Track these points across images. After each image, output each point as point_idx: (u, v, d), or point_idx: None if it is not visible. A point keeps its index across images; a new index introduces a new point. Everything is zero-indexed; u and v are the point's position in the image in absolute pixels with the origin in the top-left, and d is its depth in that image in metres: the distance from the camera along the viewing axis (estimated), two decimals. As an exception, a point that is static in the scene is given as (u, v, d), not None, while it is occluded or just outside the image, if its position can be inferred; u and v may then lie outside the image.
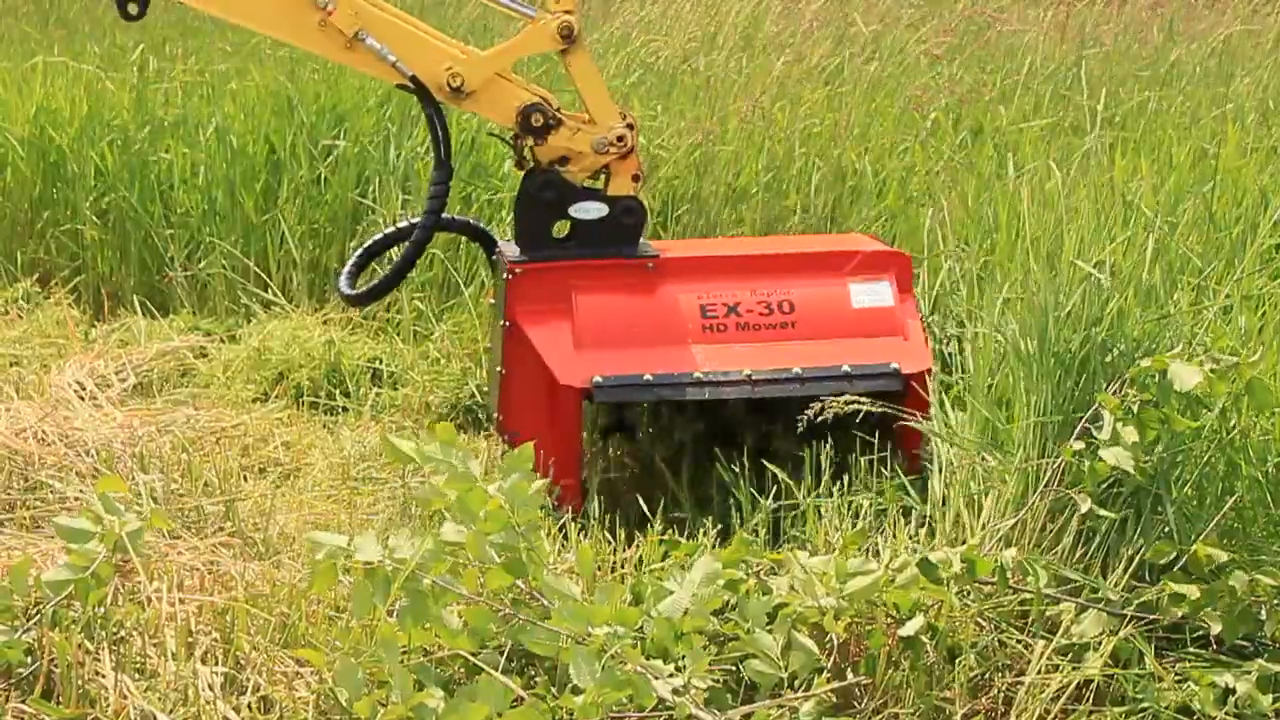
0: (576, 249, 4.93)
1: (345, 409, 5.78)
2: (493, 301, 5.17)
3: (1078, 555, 4.02)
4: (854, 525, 4.35)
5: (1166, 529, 3.98)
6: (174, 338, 6.57)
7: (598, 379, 4.67)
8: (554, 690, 3.24)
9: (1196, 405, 4.06)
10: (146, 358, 6.21)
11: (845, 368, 4.77)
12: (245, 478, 4.95)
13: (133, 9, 4.89)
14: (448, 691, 3.16)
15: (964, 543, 4.11)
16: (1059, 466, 4.04)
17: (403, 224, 5.29)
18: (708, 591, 3.48)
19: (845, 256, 5.00)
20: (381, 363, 6.07)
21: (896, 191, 6.69)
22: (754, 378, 4.75)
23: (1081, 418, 4.06)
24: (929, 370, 4.75)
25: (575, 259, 4.89)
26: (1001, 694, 3.72)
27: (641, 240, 5.00)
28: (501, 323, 4.83)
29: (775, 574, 3.78)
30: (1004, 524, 4.10)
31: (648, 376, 4.72)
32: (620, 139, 4.91)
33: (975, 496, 4.34)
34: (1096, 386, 4.16)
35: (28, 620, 3.33)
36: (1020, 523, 4.08)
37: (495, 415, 4.99)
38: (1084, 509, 3.93)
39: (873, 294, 4.92)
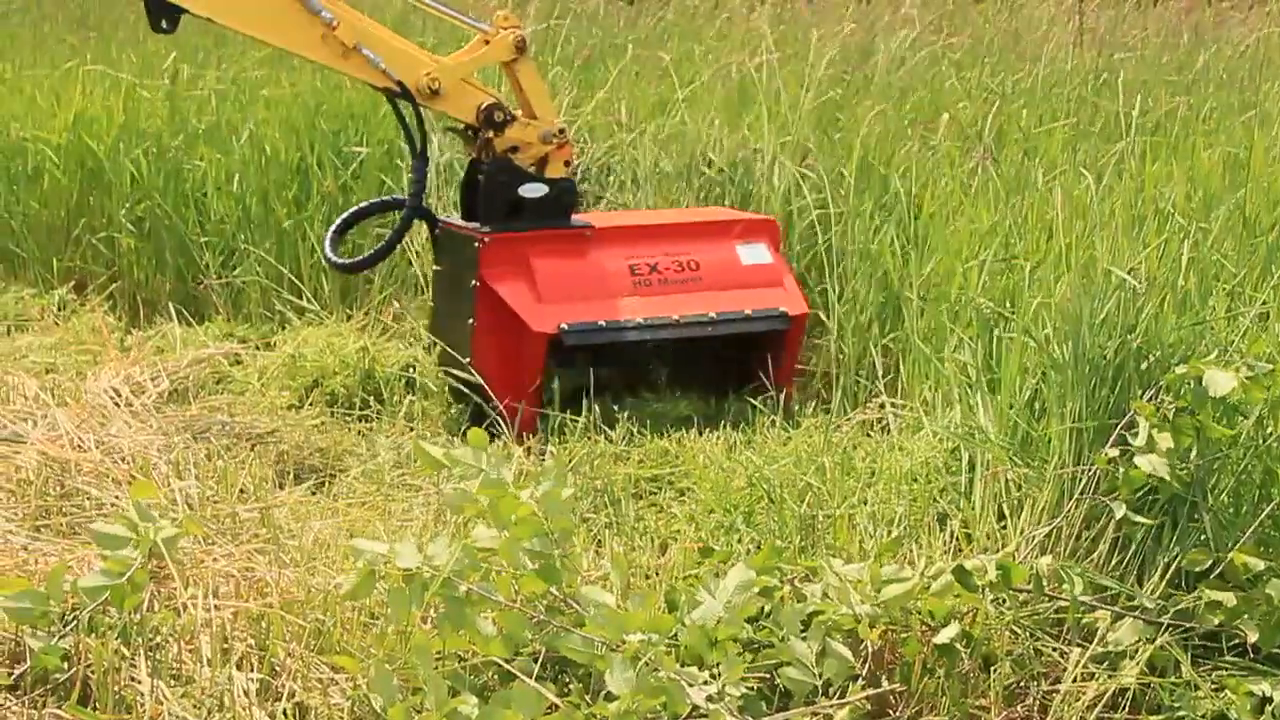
0: (526, 221, 5.77)
1: (379, 415, 5.79)
2: (438, 268, 6.00)
3: (1113, 563, 4.01)
4: (888, 533, 4.34)
5: (1203, 536, 3.97)
6: (209, 344, 6.59)
7: (564, 325, 5.56)
8: (588, 697, 3.24)
9: (1232, 412, 4.04)
10: (182, 364, 6.23)
11: (747, 311, 5.86)
12: (280, 484, 4.96)
13: (165, 24, 5.35)
14: (482, 698, 3.16)
15: (999, 550, 4.10)
16: (1094, 474, 4.03)
17: (384, 197, 6.41)
18: (742, 598, 3.47)
19: (731, 224, 6.12)
20: (414, 370, 6.07)
21: (925, 196, 6.67)
22: (681, 321, 5.77)
23: (1117, 425, 4.05)
24: (806, 313, 5.96)
25: (528, 230, 5.74)
26: (1037, 702, 3.71)
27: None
28: (472, 284, 5.63)
29: (809, 581, 3.77)
30: (1039, 531, 4.09)
31: (602, 323, 5.66)
32: (561, 131, 5.83)
33: (1010, 503, 4.33)
34: (1131, 393, 4.15)
35: (64, 626, 3.35)
36: (1055, 530, 4.07)
37: (466, 360, 5.67)
38: (1119, 515, 3.92)
39: (755, 253, 6.02)
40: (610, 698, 3.11)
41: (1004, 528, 4.28)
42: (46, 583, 3.38)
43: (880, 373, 5.87)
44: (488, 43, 5.72)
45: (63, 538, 4.12)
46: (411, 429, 5.65)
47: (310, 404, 5.84)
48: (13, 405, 5.19)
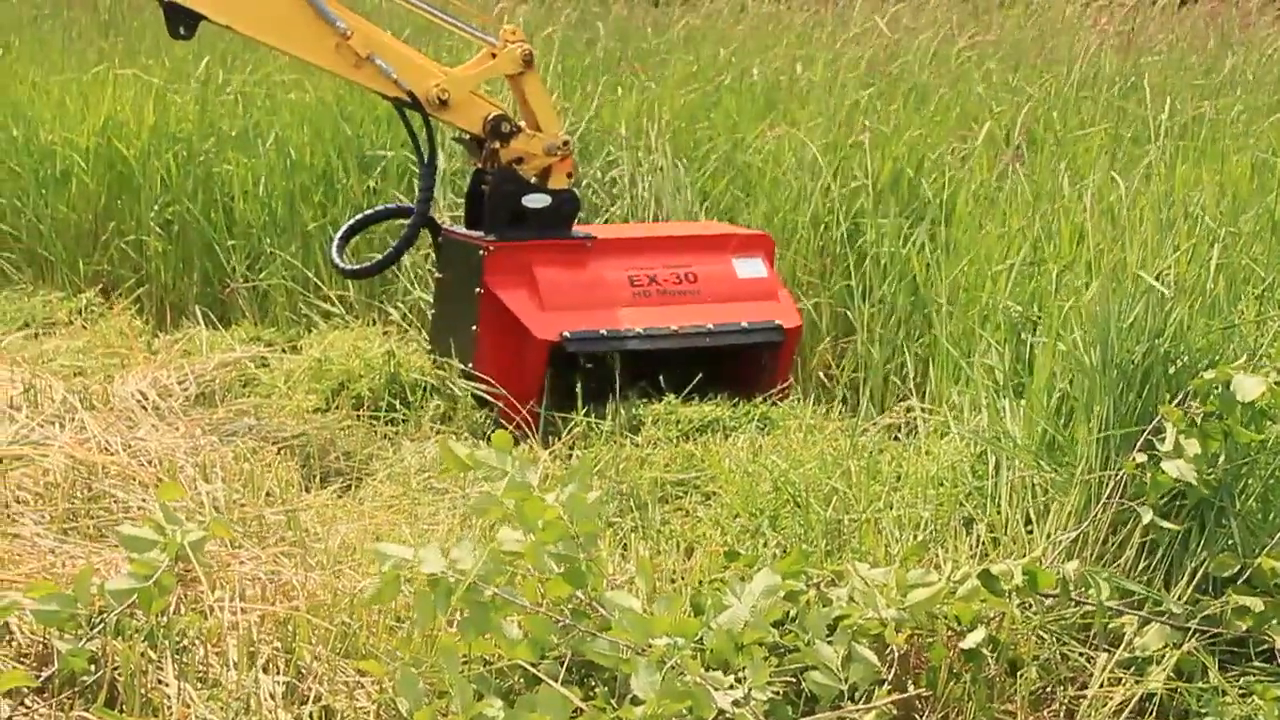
0: (529, 231, 5.89)
1: (405, 419, 5.80)
2: (439, 275, 6.17)
3: (1140, 568, 3.99)
4: (914, 537, 4.33)
5: (1230, 541, 3.95)
6: (235, 348, 6.61)
7: (567, 333, 5.69)
8: (614, 701, 3.23)
9: (1261, 417, 4.02)
10: (208, 368, 6.25)
11: (743, 323, 6.00)
12: (306, 487, 4.97)
13: (183, 31, 5.45)
14: (508, 702, 3.16)
15: (1025, 555, 4.08)
16: (1121, 478, 4.01)
17: (390, 205, 6.53)
18: (767, 603, 3.47)
19: (727, 238, 6.26)
20: (438, 373, 6.08)
21: (956, 200, 6.65)
22: (679, 331, 5.91)
23: (1144, 429, 4.03)
24: (800, 325, 6.12)
25: (531, 239, 5.87)
26: (1064, 707, 3.70)
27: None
28: (476, 290, 5.78)
29: (835, 586, 3.76)
30: (1066, 536, 4.08)
31: (603, 331, 5.80)
32: (565, 143, 5.95)
33: (1036, 508, 4.31)
34: (1159, 398, 4.13)
35: (92, 629, 3.36)
36: (1082, 535, 4.05)
37: (468, 364, 5.85)
38: (1146, 520, 3.90)
39: (750, 267, 6.16)
40: (636, 702, 3.11)
41: (1030, 532, 4.27)
42: (74, 585, 3.39)
43: (910, 375, 5.86)
44: (494, 56, 5.82)
45: (90, 541, 4.13)
46: (437, 432, 5.66)
47: (336, 407, 5.85)
48: (40, 408, 5.20)
